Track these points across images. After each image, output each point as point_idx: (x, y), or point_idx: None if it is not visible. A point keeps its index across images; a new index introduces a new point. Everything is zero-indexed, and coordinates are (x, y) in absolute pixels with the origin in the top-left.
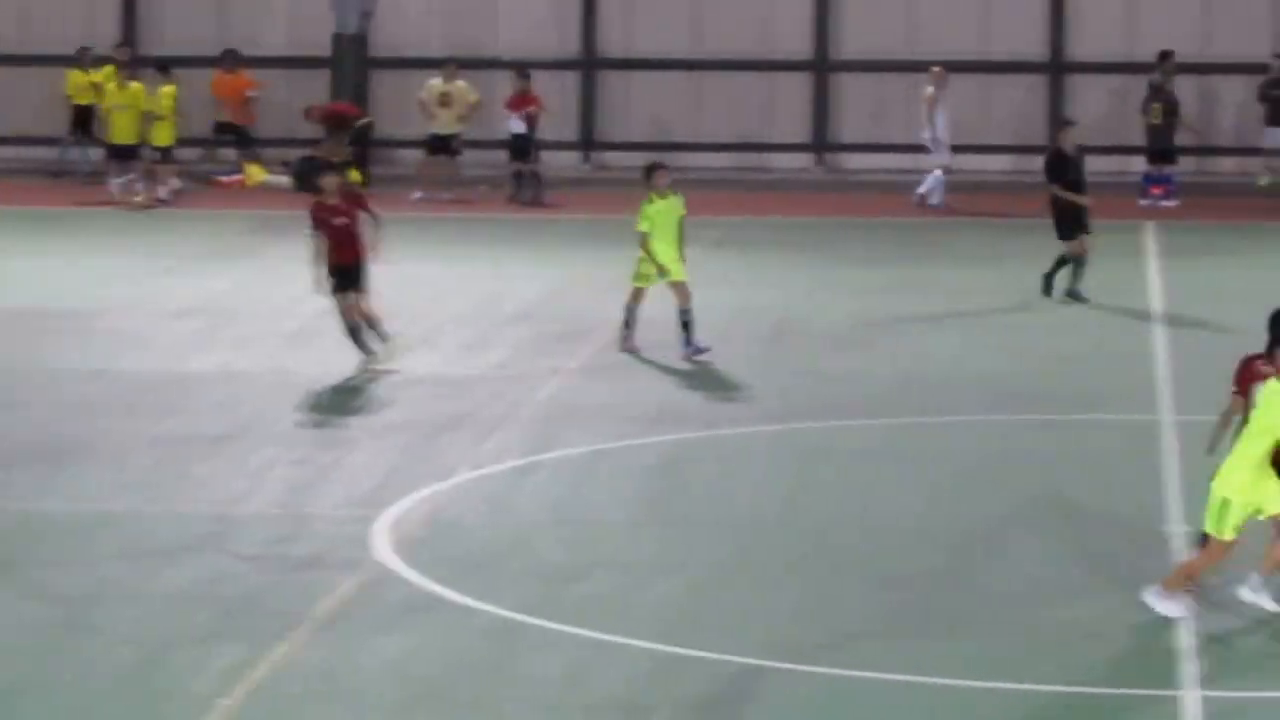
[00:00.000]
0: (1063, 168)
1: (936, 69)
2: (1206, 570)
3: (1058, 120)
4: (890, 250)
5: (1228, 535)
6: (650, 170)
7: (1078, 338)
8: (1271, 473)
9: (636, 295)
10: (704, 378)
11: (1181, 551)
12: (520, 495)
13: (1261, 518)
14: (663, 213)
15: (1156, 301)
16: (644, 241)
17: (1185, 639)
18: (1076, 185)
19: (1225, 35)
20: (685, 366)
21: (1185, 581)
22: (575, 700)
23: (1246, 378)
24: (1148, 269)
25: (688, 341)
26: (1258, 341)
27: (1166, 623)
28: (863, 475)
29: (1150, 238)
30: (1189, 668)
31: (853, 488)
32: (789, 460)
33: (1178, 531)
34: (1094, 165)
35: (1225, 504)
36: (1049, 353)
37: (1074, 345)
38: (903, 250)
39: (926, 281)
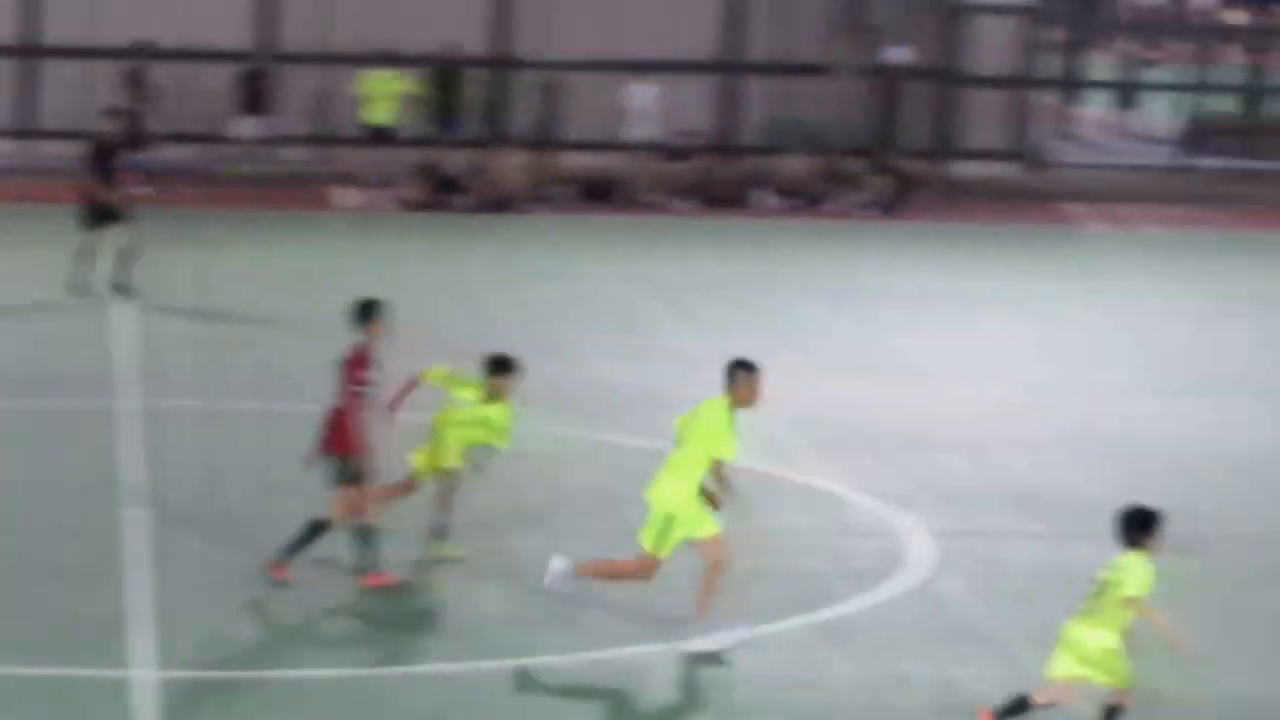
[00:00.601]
0: (103, 156)
1: None
2: (629, 578)
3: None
4: None
5: (664, 553)
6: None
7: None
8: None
9: None
10: None
11: (140, 536)
12: None
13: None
14: None
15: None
16: None
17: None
18: (108, 175)
19: (202, 23)
20: None
21: (606, 578)
22: None
23: None
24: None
25: None
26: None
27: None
28: None
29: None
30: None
31: None
32: None
33: (137, 515)
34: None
35: (670, 521)
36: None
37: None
38: None
39: None
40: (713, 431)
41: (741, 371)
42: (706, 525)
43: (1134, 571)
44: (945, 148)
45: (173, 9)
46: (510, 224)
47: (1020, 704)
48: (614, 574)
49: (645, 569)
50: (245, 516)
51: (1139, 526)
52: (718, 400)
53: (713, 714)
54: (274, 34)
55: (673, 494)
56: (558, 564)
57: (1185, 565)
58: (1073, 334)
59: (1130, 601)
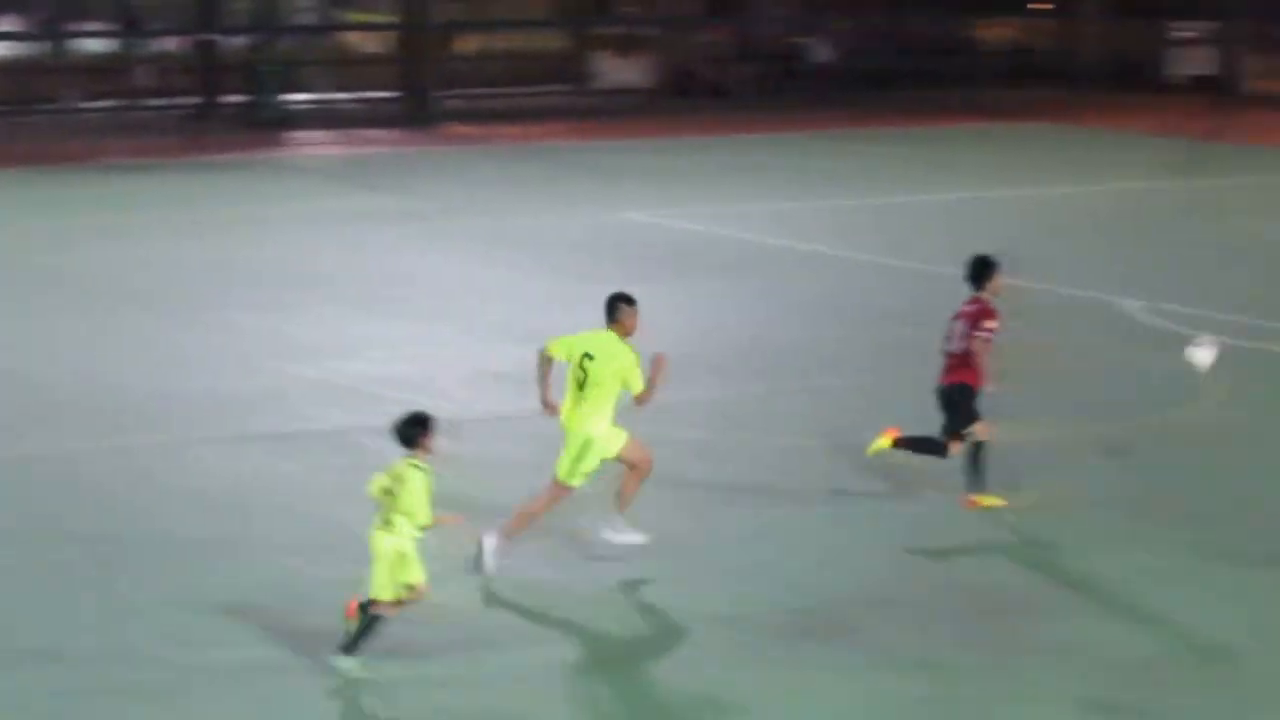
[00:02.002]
0: None
1: None
2: (546, 510)
3: None
4: None
5: (576, 481)
6: None
7: None
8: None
9: None
10: None
11: None
12: None
13: (609, 459)
14: None
15: None
16: None
17: None
18: None
19: None
20: None
21: (526, 525)
22: None
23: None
24: None
25: None
26: None
27: None
28: None
29: None
30: None
31: None
32: None
33: None
34: None
35: (587, 445)
36: None
37: None
38: None
39: None
40: (626, 368)
41: (624, 305)
42: (621, 439)
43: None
44: None
45: None
46: None
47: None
48: (536, 514)
49: (557, 497)
50: None
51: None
52: (610, 335)
53: None
54: None
55: (592, 424)
56: (489, 542)
57: None
58: None
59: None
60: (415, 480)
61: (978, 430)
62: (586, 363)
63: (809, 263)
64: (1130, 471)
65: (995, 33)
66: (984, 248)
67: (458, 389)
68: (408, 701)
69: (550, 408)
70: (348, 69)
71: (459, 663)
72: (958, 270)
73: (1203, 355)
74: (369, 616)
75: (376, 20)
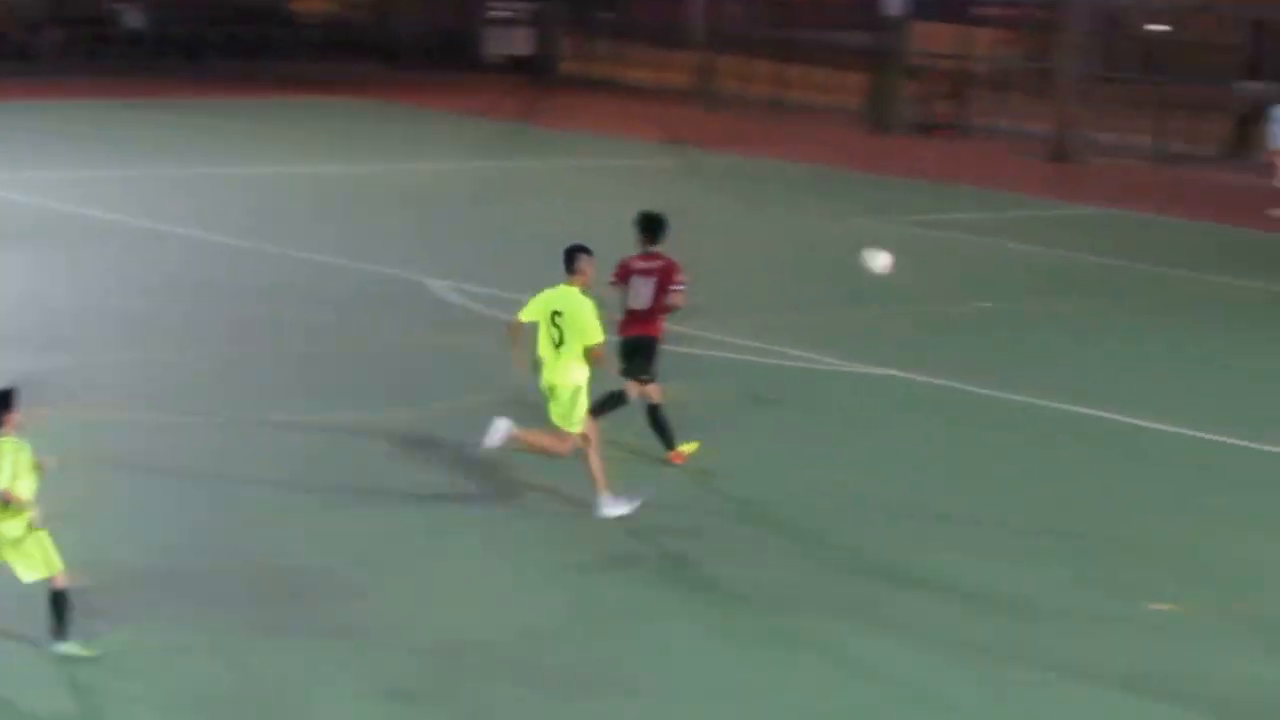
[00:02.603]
0: None
1: None
2: (546, 451)
3: None
4: None
5: (576, 428)
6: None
7: None
8: None
9: None
10: None
11: None
12: None
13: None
14: None
15: None
16: None
17: None
18: None
19: None
20: None
21: (530, 444)
22: None
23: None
24: None
25: None
26: None
27: None
28: None
29: None
30: None
31: None
32: None
33: None
34: None
35: (578, 393)
36: None
37: None
38: None
39: None
40: (588, 321)
41: (583, 255)
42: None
43: None
44: None
45: None
46: None
47: None
48: (536, 445)
49: (562, 444)
50: None
51: None
52: (571, 290)
53: None
54: None
55: (575, 373)
56: (503, 424)
57: None
58: None
59: None
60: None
61: (650, 391)
62: (558, 319)
63: (112, 232)
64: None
65: (312, 5)
66: (288, 222)
67: None
68: None
69: (528, 366)
70: None
71: None
72: (262, 244)
73: (879, 260)
74: (56, 595)
75: None
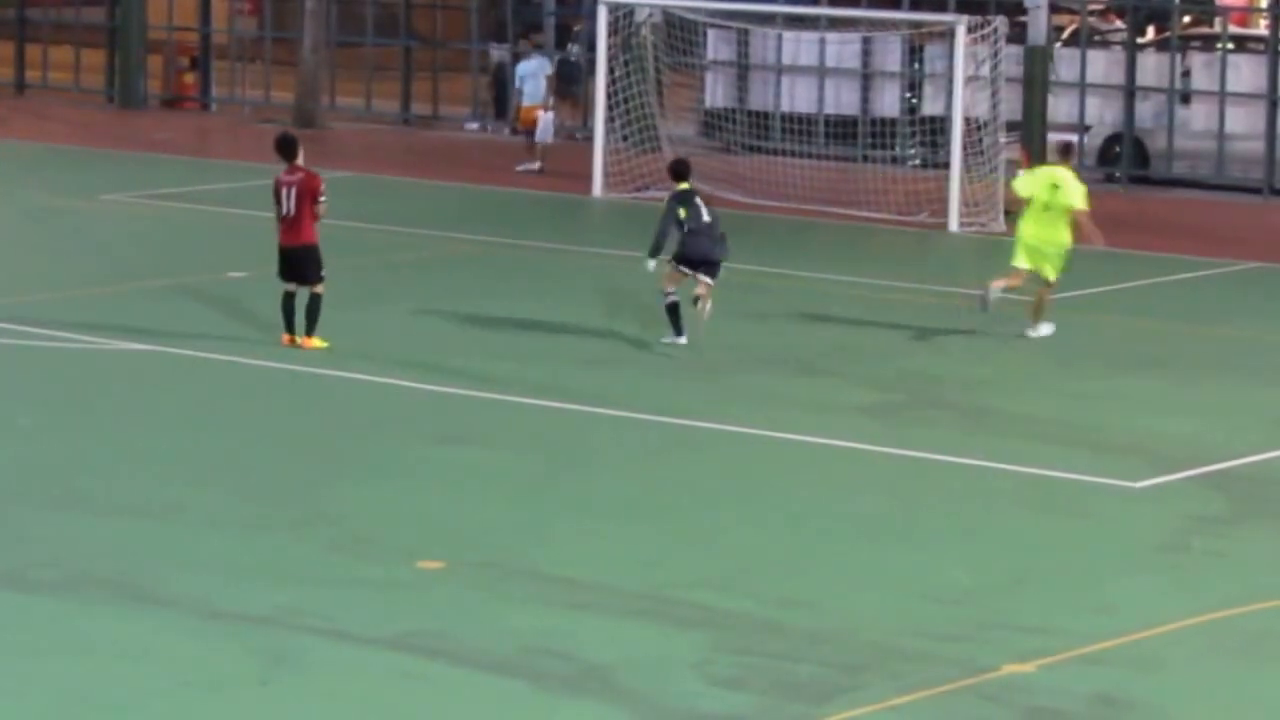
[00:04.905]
0: None
1: None
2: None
3: None
4: None
5: (1053, 276)
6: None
7: None
8: None
9: None
10: None
11: None
12: None
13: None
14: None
15: None
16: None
17: None
18: None
19: None
20: None
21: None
22: None
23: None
24: None
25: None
26: None
27: None
28: None
29: None
30: None
31: None
32: None
33: None
34: None
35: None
36: None
37: None
38: None
39: None
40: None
41: None
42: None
43: None
44: None
45: None
46: None
47: None
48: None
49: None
50: None
51: None
52: (1065, 170)
53: None
54: None
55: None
56: (998, 284)
57: None
58: None
59: None
60: None
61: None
62: (1053, 191)
63: None
64: None
65: None
66: None
67: None
68: None
69: None
70: None
71: None
72: None
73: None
74: None
75: None
